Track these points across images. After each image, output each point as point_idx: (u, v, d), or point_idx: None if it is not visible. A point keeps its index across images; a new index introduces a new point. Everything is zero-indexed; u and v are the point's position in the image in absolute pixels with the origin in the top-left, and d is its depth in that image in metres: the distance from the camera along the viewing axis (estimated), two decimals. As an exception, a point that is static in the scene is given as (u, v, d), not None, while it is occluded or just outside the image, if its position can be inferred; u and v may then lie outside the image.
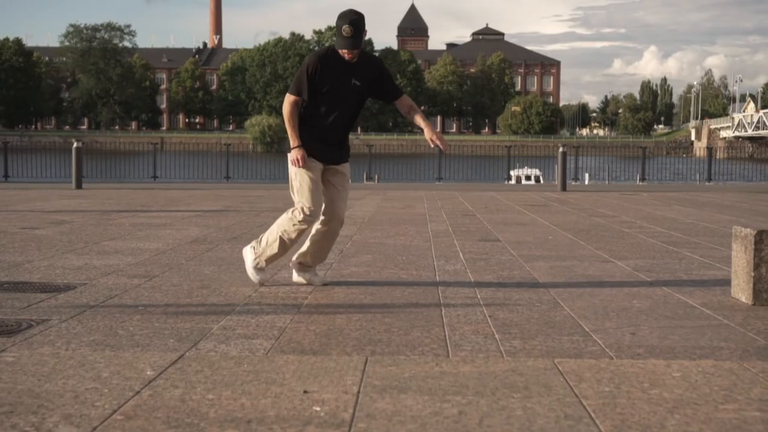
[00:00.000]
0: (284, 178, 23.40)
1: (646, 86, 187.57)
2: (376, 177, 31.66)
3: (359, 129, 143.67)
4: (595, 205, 15.40)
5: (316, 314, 5.06)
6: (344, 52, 5.66)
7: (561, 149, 22.49)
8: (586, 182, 33.51)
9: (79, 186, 20.21)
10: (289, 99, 5.80)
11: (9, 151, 26.87)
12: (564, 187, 21.66)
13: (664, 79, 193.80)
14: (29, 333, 4.43)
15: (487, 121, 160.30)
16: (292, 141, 5.80)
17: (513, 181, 33.43)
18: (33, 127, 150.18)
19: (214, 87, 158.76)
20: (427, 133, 6.05)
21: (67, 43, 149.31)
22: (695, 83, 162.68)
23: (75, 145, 20.79)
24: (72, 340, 4.27)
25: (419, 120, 6.13)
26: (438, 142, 5.97)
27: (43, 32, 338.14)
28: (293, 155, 5.78)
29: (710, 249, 8.64)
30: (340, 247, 8.37)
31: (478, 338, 4.46)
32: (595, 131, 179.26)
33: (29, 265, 6.93)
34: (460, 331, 4.62)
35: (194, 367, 3.79)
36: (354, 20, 5.62)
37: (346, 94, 5.81)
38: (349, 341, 4.35)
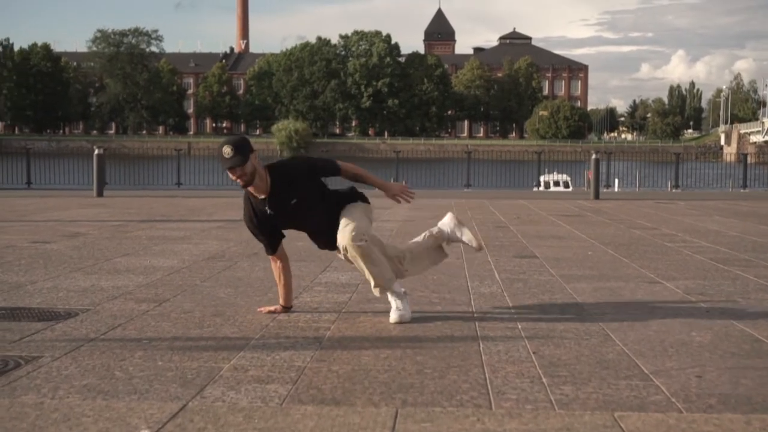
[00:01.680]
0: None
1: (674, 90, 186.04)
2: (404, 183, 31.10)
3: (386, 133, 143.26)
4: (632, 216, 14.79)
5: (340, 350, 4.52)
6: (235, 179, 5.15)
7: (594, 155, 21.86)
8: (616, 189, 32.81)
9: (100, 194, 19.79)
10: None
11: (35, 156, 26.57)
12: (597, 195, 21.02)
13: (693, 83, 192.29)
14: (14, 375, 3.93)
15: (514, 125, 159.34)
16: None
17: (542, 187, 32.79)
18: (61, 131, 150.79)
19: (241, 92, 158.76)
20: (388, 194, 5.55)
21: (94, 48, 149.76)
22: (724, 87, 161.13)
23: (96, 151, 20.39)
24: (61, 385, 3.76)
25: (373, 181, 5.51)
26: (402, 198, 5.52)
27: (71, 37, 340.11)
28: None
29: (765, 268, 8.03)
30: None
31: (523, 382, 3.91)
32: (623, 136, 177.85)
33: (31, 287, 6.44)
34: (503, 373, 4.07)
35: (197, 423, 3.27)
36: (233, 141, 5.13)
37: (292, 213, 5.32)
38: (376, 387, 3.81)
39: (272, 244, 5.45)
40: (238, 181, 5.11)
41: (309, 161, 5.39)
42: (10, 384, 3.77)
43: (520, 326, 5.18)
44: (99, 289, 6.40)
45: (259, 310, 5.54)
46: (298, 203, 5.23)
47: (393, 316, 5.27)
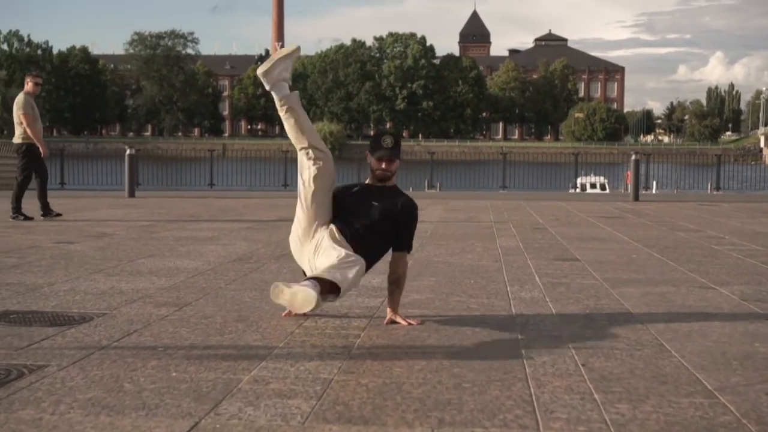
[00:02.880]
0: (340, 181, 22.71)
1: (712, 92, 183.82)
2: (438, 185, 30.71)
3: (420, 135, 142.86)
4: (674, 218, 14.31)
5: (370, 360, 4.14)
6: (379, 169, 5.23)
7: (634, 156, 21.36)
8: (654, 191, 32.20)
9: (132, 194, 19.59)
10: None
11: (70, 157, 26.46)
12: (636, 197, 20.53)
13: (732, 85, 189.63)
14: (15, 386, 3.59)
15: (549, 127, 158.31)
16: None
17: (578, 189, 32.27)
18: (98, 133, 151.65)
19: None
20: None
21: (131, 51, 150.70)
22: (764, 89, 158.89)
23: (128, 152, 20.17)
24: (64, 399, 3.42)
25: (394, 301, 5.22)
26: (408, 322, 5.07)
27: (109, 40, 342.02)
28: None
29: (822, 272, 7.57)
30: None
31: (573, 399, 3.52)
32: (659, 138, 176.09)
33: (48, 289, 6.13)
34: (550, 388, 3.68)
35: (208, 445, 2.91)
36: (394, 134, 5.30)
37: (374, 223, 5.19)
38: (410, 403, 3.43)
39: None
40: (379, 171, 5.16)
41: (414, 211, 5.28)
42: (9, 397, 3.43)
43: (565, 335, 4.79)
44: (118, 291, 6.07)
45: (284, 314, 5.15)
46: (381, 220, 5.09)
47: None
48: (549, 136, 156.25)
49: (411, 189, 25.33)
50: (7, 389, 3.54)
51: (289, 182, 26.28)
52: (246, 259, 8.00)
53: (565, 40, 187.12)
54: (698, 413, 3.35)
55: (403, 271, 5.19)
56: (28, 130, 12.44)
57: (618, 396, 3.57)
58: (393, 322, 5.03)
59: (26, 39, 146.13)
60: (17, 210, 12.56)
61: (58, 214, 12.75)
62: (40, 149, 12.51)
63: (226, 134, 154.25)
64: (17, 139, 12.60)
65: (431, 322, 5.12)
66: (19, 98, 12.56)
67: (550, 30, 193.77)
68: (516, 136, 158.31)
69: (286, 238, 9.97)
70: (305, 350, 4.33)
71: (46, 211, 12.72)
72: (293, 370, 3.91)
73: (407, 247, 5.21)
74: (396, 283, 5.14)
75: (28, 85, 12.66)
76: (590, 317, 5.36)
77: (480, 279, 6.94)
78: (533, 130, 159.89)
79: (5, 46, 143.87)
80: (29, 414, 3.22)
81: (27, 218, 12.46)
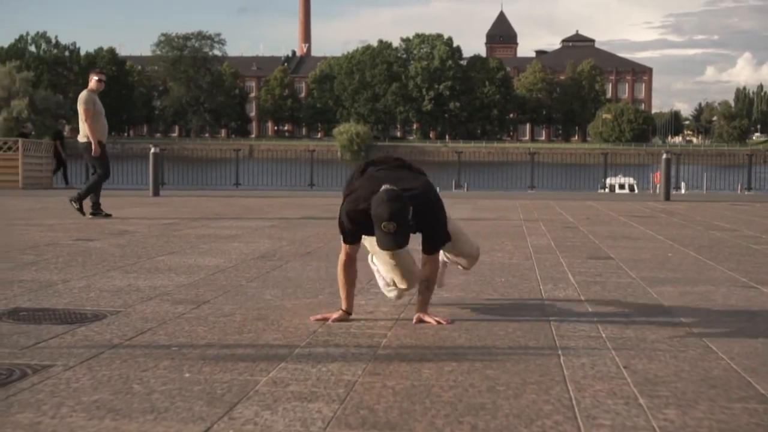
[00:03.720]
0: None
1: (740, 93, 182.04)
2: (465, 185, 30.43)
3: (447, 136, 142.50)
4: (707, 217, 13.96)
5: (397, 361, 3.88)
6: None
7: (665, 156, 21.02)
8: (683, 191, 31.76)
9: (156, 193, 19.45)
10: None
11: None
12: (668, 197, 20.17)
13: (761, 86, 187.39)
14: (16, 387, 3.36)
15: (577, 128, 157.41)
16: None
17: (606, 190, 31.90)
18: (125, 134, 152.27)
19: (302, 95, 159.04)
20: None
21: (158, 52, 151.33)
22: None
23: (152, 150, 20.04)
24: (66, 401, 3.18)
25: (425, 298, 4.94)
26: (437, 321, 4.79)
27: (136, 42, 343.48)
28: None
29: None
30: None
31: (617, 404, 3.24)
32: (688, 139, 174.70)
33: (62, 286, 5.91)
34: (591, 392, 3.40)
35: (220, 453, 2.66)
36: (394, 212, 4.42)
37: None
38: (440, 407, 3.17)
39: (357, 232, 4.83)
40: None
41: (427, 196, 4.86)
42: (8, 398, 3.20)
43: (604, 335, 4.51)
44: (135, 289, 5.84)
45: (312, 318, 4.83)
46: None
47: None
48: (576, 138, 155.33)
49: (438, 189, 24.96)
50: (7, 390, 3.30)
51: (315, 182, 26.11)
52: (269, 257, 7.76)
53: (593, 40, 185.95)
54: (753, 420, 3.07)
55: (433, 271, 4.90)
56: (85, 125, 12.38)
57: (665, 401, 3.29)
58: (421, 321, 4.76)
59: (54, 41, 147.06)
60: (97, 207, 12.60)
61: (108, 215, 12.61)
62: (92, 146, 12.40)
63: (253, 135, 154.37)
64: (82, 137, 12.56)
65: (461, 321, 4.85)
66: (82, 95, 12.51)
67: (577, 31, 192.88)
68: (543, 138, 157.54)
69: (312, 236, 9.80)
70: (328, 350, 4.07)
71: (81, 207, 12.57)
72: (315, 372, 3.66)
73: (435, 247, 4.88)
74: (426, 283, 4.87)
75: (92, 82, 12.65)
76: (629, 317, 5.07)
77: (511, 277, 6.66)
78: (560, 132, 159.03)
79: (33, 48, 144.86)
80: (27, 417, 2.98)
81: (106, 215, 12.51)
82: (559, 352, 4.10)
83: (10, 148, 23.04)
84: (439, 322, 4.71)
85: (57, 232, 9.94)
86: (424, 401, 3.24)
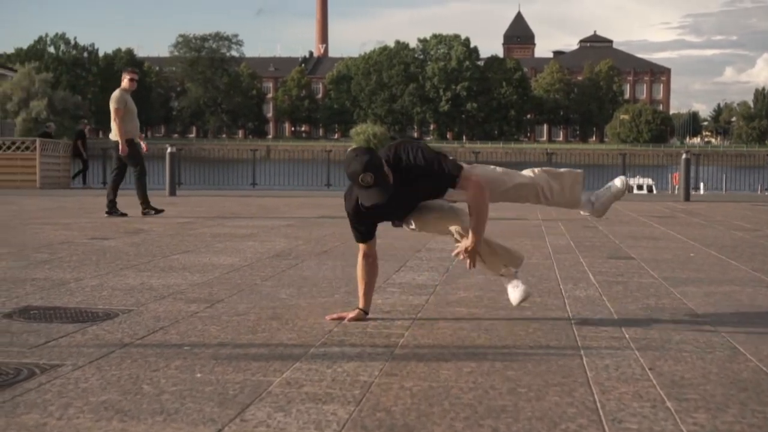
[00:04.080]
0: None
1: (760, 94, 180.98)
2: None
3: (464, 137, 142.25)
4: (728, 217, 13.78)
5: (415, 362, 3.77)
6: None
7: (684, 156, 20.78)
8: (702, 191, 31.50)
9: (172, 193, 19.39)
10: None
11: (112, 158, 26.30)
12: (687, 197, 19.95)
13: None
14: (23, 387, 3.26)
15: (594, 129, 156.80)
16: None
17: (625, 191, 31.64)
18: (143, 135, 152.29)
19: (319, 96, 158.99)
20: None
21: (176, 53, 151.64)
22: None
23: (168, 150, 19.98)
24: (74, 401, 3.08)
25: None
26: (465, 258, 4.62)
27: (154, 43, 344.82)
28: None
29: None
30: (446, 265, 7.09)
31: (643, 407, 3.12)
32: (706, 140, 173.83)
33: (75, 285, 5.83)
34: (616, 394, 3.28)
35: (230, 456, 2.56)
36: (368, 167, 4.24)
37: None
38: (459, 409, 3.06)
39: (370, 230, 4.74)
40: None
41: (409, 146, 4.59)
42: (14, 399, 3.10)
43: (627, 335, 4.38)
44: (148, 287, 5.75)
45: (328, 318, 4.72)
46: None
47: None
48: (594, 138, 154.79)
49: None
50: (14, 390, 3.21)
51: (332, 182, 26.02)
52: (285, 256, 7.66)
53: (611, 41, 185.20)
54: (788, 425, 2.94)
55: (473, 197, 4.51)
56: (115, 124, 12.36)
57: (694, 404, 3.17)
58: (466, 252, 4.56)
59: (73, 41, 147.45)
60: (146, 205, 12.67)
61: (123, 215, 12.55)
62: (120, 145, 12.37)
63: (270, 136, 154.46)
64: (114, 136, 12.54)
65: (480, 320, 4.74)
66: (115, 94, 12.50)
67: (595, 31, 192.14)
68: (561, 138, 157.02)
69: (328, 235, 9.69)
70: (344, 350, 3.97)
71: (112, 208, 12.59)
72: (330, 372, 3.55)
73: (451, 176, 4.51)
74: (472, 212, 4.58)
75: (124, 81, 12.64)
76: (652, 317, 4.94)
77: (531, 277, 6.53)
78: (578, 132, 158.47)
79: (52, 49, 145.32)
80: (33, 418, 2.88)
81: (158, 211, 12.58)
82: (582, 352, 3.99)
83: (27, 148, 23.04)
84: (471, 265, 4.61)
85: (72, 231, 9.88)
86: (443, 403, 3.13)
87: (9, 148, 23.10)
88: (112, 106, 12.37)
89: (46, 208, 14.45)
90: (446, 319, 4.81)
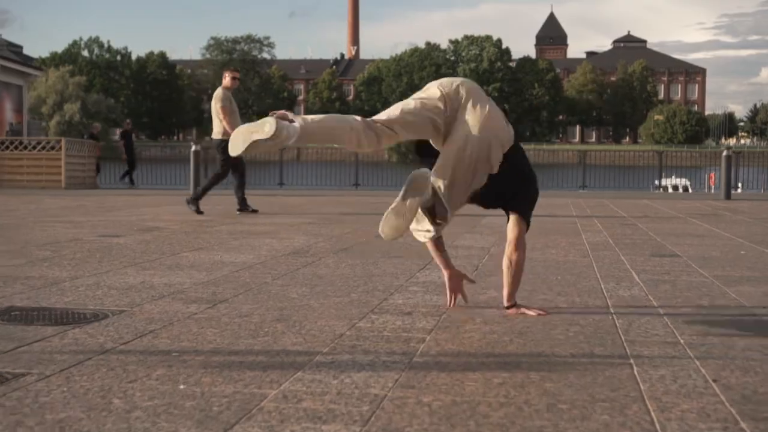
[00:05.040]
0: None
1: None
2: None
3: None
4: (774, 215, 13.13)
5: (436, 371, 3.23)
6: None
7: (725, 153, 20.09)
8: (739, 191, 30.71)
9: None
10: None
11: (147, 160, 26.15)
12: (728, 195, 19.25)
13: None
14: (-30, 402, 2.76)
15: (627, 130, 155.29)
16: None
17: (660, 190, 30.97)
18: (175, 137, 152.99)
19: (350, 97, 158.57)
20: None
21: (208, 56, 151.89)
22: None
23: (193, 148, 19.52)
24: (26, 420, 2.57)
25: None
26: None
27: (186, 46, 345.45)
28: None
29: None
30: (474, 263, 6.54)
31: (712, 429, 2.56)
32: (742, 141, 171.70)
33: (70, 284, 5.33)
34: (677, 413, 2.72)
35: (198, 494, 2.03)
36: None
37: None
38: (487, 430, 2.52)
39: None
40: None
41: None
42: (-46, 416, 2.60)
43: (682, 341, 3.81)
44: (148, 286, 5.25)
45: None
46: None
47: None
48: (627, 139, 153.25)
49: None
50: (-42, 405, 2.71)
51: (360, 182, 25.54)
52: (302, 253, 7.14)
53: (644, 41, 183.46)
54: None
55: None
56: (224, 123, 12.09)
57: (773, 425, 2.61)
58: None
59: (106, 45, 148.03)
60: (196, 200, 12.31)
61: (255, 211, 12.34)
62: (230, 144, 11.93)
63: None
64: (216, 135, 12.32)
65: (512, 323, 4.19)
66: (218, 92, 12.32)
67: (629, 31, 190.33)
68: (593, 139, 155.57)
69: (349, 233, 9.17)
70: (354, 357, 3.43)
71: (243, 206, 12.42)
72: (335, 384, 3.02)
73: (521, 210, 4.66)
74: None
75: (226, 80, 12.50)
76: (708, 320, 4.37)
77: (568, 275, 5.98)
78: (611, 133, 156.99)
79: (86, 53, 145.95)
80: (-31, 441, 2.38)
81: (199, 212, 12.11)
82: (631, 361, 3.43)
83: (53, 148, 22.69)
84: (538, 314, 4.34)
85: (83, 229, 9.42)
86: (468, 423, 2.59)
87: (35, 148, 22.76)
88: (217, 105, 12.21)
89: (65, 206, 14.03)
90: (474, 321, 4.25)
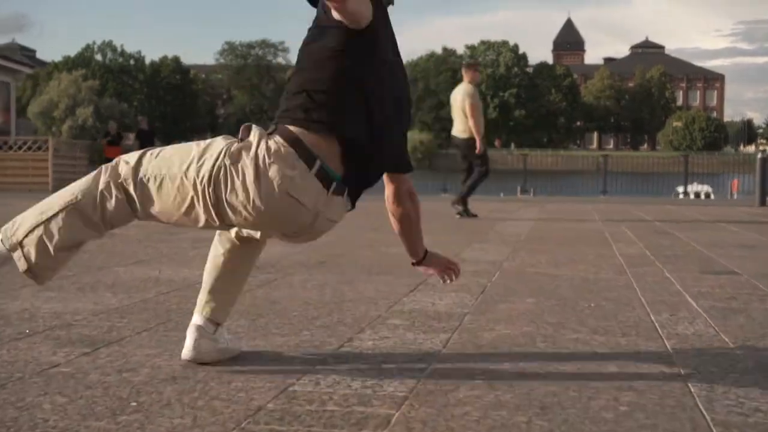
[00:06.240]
0: (429, 191, 20.37)
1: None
2: (532, 190, 28.19)
3: (512, 144, 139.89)
4: (823, 223, 11.65)
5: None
6: None
7: (760, 155, 18.59)
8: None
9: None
10: None
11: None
12: (763, 202, 17.72)
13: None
14: None
15: (646, 136, 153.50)
16: None
17: (681, 196, 29.57)
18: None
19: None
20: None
21: (222, 61, 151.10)
22: None
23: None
24: None
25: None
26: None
27: (200, 50, 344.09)
28: None
29: None
30: (482, 282, 5.08)
31: None
32: (762, 148, 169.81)
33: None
34: None
35: None
36: None
37: None
38: None
39: None
40: None
41: None
42: None
43: (803, 422, 2.36)
44: (27, 316, 3.80)
45: None
46: None
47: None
48: (645, 146, 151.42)
49: (502, 194, 23.10)
50: None
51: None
52: (266, 268, 5.65)
53: (662, 47, 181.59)
54: None
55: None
56: (471, 122, 11.26)
57: None
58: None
59: (119, 49, 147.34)
60: (464, 206, 11.48)
61: (474, 215, 11.38)
62: (477, 143, 11.26)
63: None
64: (461, 132, 11.55)
65: (532, 382, 2.74)
66: (467, 89, 11.50)
67: (647, 37, 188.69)
68: (611, 146, 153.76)
69: (332, 241, 7.72)
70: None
71: (465, 209, 11.48)
72: None
73: None
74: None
75: (470, 75, 11.79)
76: (825, 378, 2.91)
77: (603, 301, 4.52)
78: (629, 140, 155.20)
79: (99, 57, 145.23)
80: None
81: (471, 215, 11.32)
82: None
83: (39, 148, 21.35)
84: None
85: (26, 236, 8.00)
86: None
87: (20, 148, 21.43)
88: (468, 101, 11.32)
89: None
90: (472, 380, 2.79)
